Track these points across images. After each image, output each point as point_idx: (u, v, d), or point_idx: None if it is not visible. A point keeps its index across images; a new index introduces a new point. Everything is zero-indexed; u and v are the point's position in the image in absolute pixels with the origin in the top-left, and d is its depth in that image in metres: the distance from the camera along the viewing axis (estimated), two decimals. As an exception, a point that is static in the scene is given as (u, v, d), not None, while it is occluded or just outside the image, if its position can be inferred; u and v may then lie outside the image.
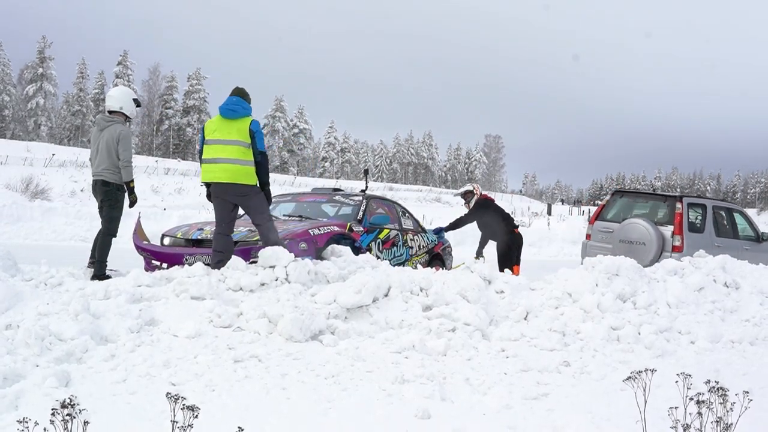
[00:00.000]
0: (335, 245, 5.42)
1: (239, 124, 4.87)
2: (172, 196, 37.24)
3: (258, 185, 4.97)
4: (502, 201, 64.63)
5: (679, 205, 7.63)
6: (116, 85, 64.94)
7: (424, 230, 7.55)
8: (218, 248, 4.90)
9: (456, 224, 7.60)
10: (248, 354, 3.59)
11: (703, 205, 8.12)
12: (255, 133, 4.87)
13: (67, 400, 1.70)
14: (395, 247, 6.67)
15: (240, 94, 5.04)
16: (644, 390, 2.60)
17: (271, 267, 4.68)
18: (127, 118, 5.39)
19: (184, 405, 1.85)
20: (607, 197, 8.80)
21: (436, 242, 7.59)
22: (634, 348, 4.34)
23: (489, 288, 4.86)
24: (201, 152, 5.02)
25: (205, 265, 4.70)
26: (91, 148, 5.41)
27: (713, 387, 2.38)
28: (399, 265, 6.42)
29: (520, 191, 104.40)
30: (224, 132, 4.86)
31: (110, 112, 5.38)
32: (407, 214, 7.40)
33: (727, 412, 2.31)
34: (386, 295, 4.50)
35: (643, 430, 2.63)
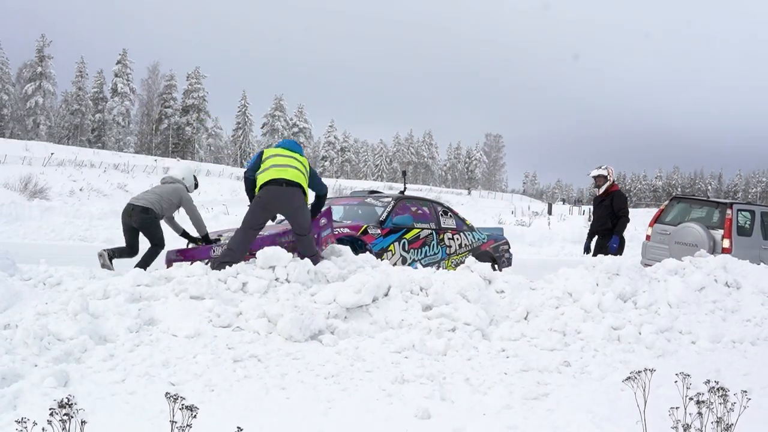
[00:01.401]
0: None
1: (300, 157, 5.26)
2: (171, 196, 37.14)
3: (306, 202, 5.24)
4: (503, 200, 64.62)
5: (729, 211, 8.35)
6: (115, 84, 64.96)
7: (471, 228, 7.56)
8: (233, 246, 4.99)
9: (623, 227, 7.29)
10: (248, 354, 3.58)
11: (752, 211, 8.79)
12: (314, 174, 5.30)
13: (65, 400, 1.69)
14: (426, 247, 6.75)
15: (297, 144, 5.49)
16: (644, 390, 2.59)
17: (271, 267, 4.67)
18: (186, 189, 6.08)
19: (183, 405, 1.84)
20: (666, 202, 9.54)
21: (485, 240, 7.60)
22: (635, 348, 4.33)
23: (489, 287, 4.86)
24: (253, 169, 5.21)
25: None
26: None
27: (713, 387, 2.38)
28: (434, 264, 6.55)
29: (523, 191, 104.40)
30: (288, 154, 5.23)
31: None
32: (449, 213, 7.47)
33: (728, 412, 2.30)
34: (386, 295, 4.50)
35: (644, 430, 2.62)
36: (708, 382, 2.50)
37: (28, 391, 2.91)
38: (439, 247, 6.87)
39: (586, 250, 7.81)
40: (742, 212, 8.70)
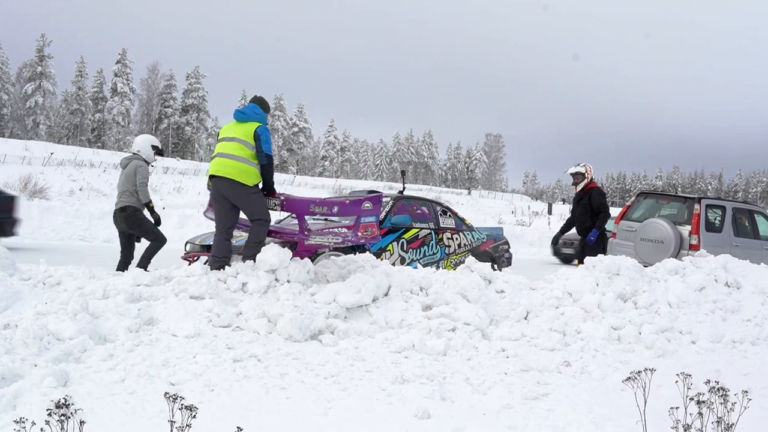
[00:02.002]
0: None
1: (246, 126, 4.99)
2: (171, 195, 37.20)
3: (256, 186, 4.98)
4: (503, 200, 64.62)
5: (697, 206, 8.07)
6: (115, 84, 64.96)
7: (471, 228, 7.55)
8: (217, 254, 4.91)
9: (603, 222, 7.07)
10: (247, 354, 3.58)
11: (722, 207, 8.54)
12: (260, 136, 4.92)
13: (62, 400, 1.69)
14: (425, 247, 6.76)
15: (257, 102, 5.17)
16: (644, 390, 2.59)
17: (271, 268, 4.66)
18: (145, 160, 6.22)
19: (182, 405, 1.84)
20: (632, 198, 9.23)
21: (484, 240, 7.60)
22: (635, 348, 4.33)
23: (489, 287, 4.85)
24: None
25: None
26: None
27: (714, 387, 2.37)
28: (433, 263, 6.50)
29: (525, 191, 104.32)
30: (231, 132, 5.02)
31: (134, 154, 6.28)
32: (448, 213, 7.45)
33: (728, 412, 2.30)
34: (386, 295, 4.49)
35: (644, 430, 2.62)
36: (708, 382, 2.50)
37: (28, 391, 2.90)
38: (438, 246, 6.87)
39: (554, 242, 7.72)
40: (712, 208, 8.46)
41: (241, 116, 5.03)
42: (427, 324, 4.14)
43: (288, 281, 4.59)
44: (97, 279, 4.58)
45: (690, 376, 2.73)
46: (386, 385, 3.35)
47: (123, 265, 6.01)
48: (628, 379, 2.67)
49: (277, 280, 4.59)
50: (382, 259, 5.97)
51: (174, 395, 1.92)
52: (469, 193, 69.45)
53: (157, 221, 6.10)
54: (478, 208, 45.09)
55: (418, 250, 6.63)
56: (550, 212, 35.73)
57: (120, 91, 65.81)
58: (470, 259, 5.11)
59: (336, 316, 4.20)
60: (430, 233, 6.84)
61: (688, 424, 2.24)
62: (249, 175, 4.91)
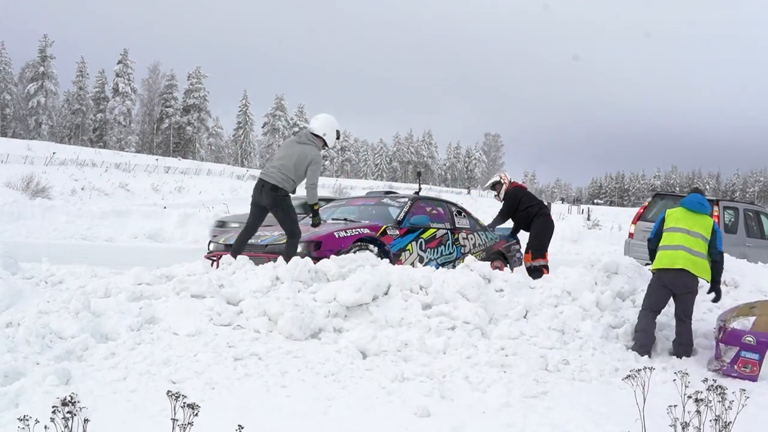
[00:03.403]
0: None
1: (704, 220, 4.71)
2: (172, 195, 37.29)
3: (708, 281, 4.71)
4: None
5: (716, 207, 8.39)
6: (116, 84, 64.95)
7: (484, 228, 7.66)
8: (639, 329, 4.47)
9: (496, 223, 7.61)
10: (248, 352, 3.59)
11: (735, 208, 8.90)
12: (716, 233, 4.69)
13: (68, 398, 1.70)
14: (443, 246, 6.84)
15: (701, 193, 4.98)
16: (644, 388, 2.60)
17: (272, 266, 4.68)
18: (325, 144, 5.57)
19: (184, 403, 1.86)
20: (649, 199, 9.66)
21: (497, 240, 7.69)
22: (634, 346, 4.33)
23: (488, 286, 4.86)
24: (653, 239, 4.82)
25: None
26: (278, 152, 5.61)
27: (712, 385, 2.39)
28: (449, 263, 6.67)
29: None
30: (692, 221, 4.68)
31: (313, 134, 5.54)
32: (463, 214, 7.59)
33: (726, 410, 2.31)
34: (386, 294, 4.50)
35: (642, 428, 2.64)
36: (706, 380, 2.51)
37: (30, 389, 2.92)
38: (454, 246, 7.00)
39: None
40: (727, 210, 8.78)
41: (699, 207, 4.71)
42: (427, 322, 4.16)
43: (289, 280, 4.60)
44: (99, 278, 4.61)
45: (688, 374, 2.75)
46: (386, 383, 3.37)
47: (245, 236, 5.48)
48: (628, 377, 2.69)
49: (277, 278, 4.61)
50: (401, 259, 6.10)
51: (175, 393, 1.94)
52: (469, 192, 69.40)
53: (316, 225, 5.58)
54: (477, 208, 44.99)
55: (436, 249, 6.74)
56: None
57: (121, 91, 65.77)
58: (469, 258, 5.12)
59: (336, 315, 4.21)
60: (447, 233, 6.96)
61: (686, 422, 2.26)
62: (706, 270, 4.62)
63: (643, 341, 4.37)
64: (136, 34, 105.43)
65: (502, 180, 7.51)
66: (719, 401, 2.32)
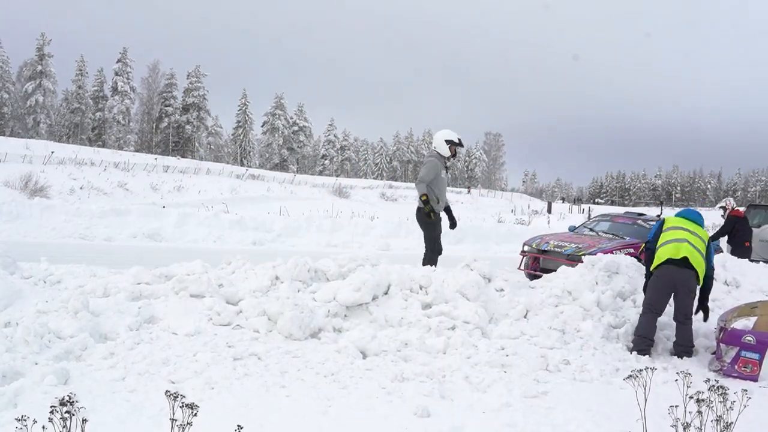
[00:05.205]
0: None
1: (701, 231, 4.79)
2: (171, 194, 37.23)
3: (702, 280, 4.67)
4: (502, 199, 64.60)
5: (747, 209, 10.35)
6: (115, 83, 64.88)
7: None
8: (640, 332, 4.45)
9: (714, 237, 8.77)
10: (248, 352, 3.58)
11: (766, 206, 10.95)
12: (711, 247, 4.74)
13: (66, 398, 1.69)
14: None
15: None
16: (645, 388, 2.59)
17: (271, 265, 4.68)
18: (441, 155, 6.05)
19: (183, 403, 1.84)
20: (744, 208, 11.41)
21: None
22: (634, 346, 4.32)
23: (489, 286, 4.85)
24: (652, 240, 4.82)
25: None
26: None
27: (713, 386, 2.38)
28: None
29: (525, 191, 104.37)
30: (692, 227, 4.75)
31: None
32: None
33: (727, 410, 2.30)
34: (386, 293, 4.50)
35: (644, 428, 2.62)
36: (708, 380, 2.50)
37: (29, 388, 2.91)
38: None
39: None
40: (758, 210, 10.65)
41: (698, 217, 4.89)
42: (427, 322, 4.15)
43: (289, 280, 4.59)
44: (98, 277, 4.59)
45: (690, 374, 2.74)
46: (386, 383, 3.36)
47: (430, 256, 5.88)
48: (629, 377, 2.68)
49: (277, 278, 4.60)
50: None
51: (174, 393, 1.93)
52: (469, 191, 69.39)
53: (428, 214, 5.76)
54: (477, 207, 45.07)
55: None
56: (549, 211, 35.78)
57: (120, 89, 65.71)
58: (469, 258, 5.10)
59: (336, 315, 4.20)
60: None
61: (687, 423, 2.25)
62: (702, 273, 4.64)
63: (643, 347, 4.36)
64: (135, 32, 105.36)
65: (726, 206, 9.45)
66: (721, 401, 2.31)
